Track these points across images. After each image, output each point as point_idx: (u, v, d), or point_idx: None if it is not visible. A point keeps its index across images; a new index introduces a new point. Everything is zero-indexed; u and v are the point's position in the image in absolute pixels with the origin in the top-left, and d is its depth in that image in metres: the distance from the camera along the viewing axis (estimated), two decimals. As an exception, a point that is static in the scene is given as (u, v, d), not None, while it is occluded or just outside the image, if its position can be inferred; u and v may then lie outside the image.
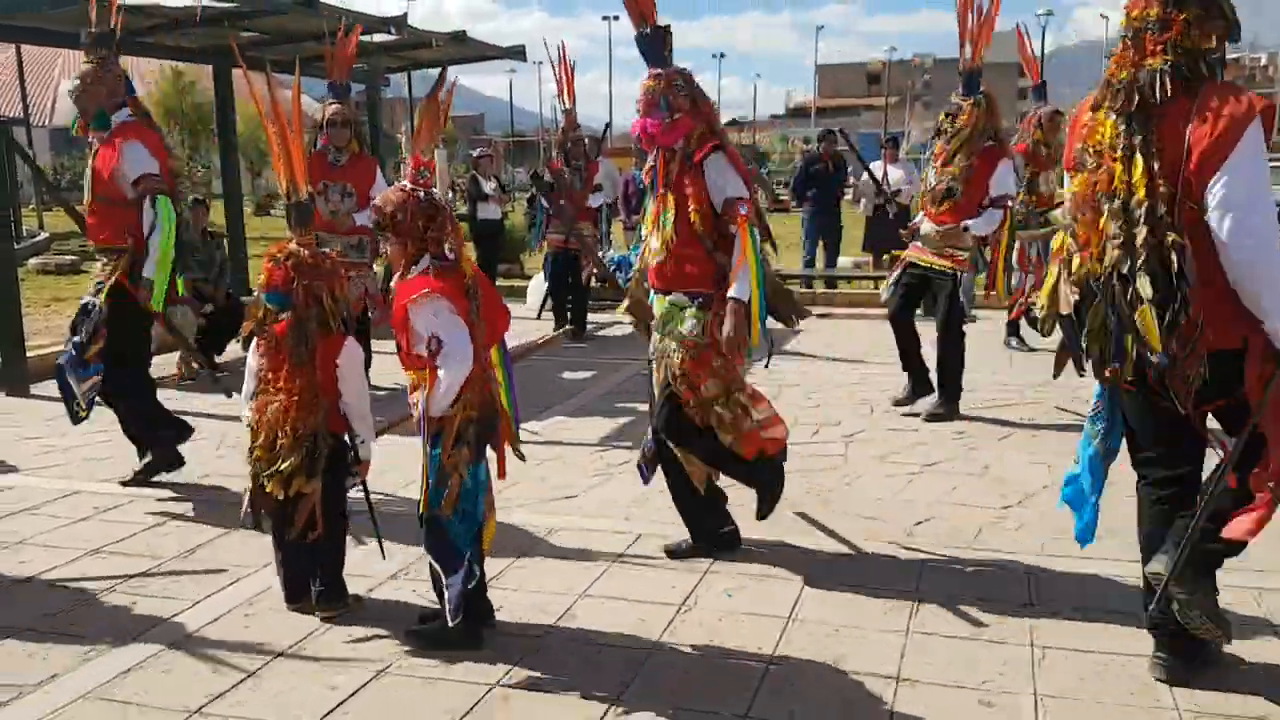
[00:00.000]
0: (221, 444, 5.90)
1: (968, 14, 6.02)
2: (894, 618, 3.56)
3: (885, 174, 11.39)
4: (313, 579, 3.64)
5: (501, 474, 3.46)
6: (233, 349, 8.51)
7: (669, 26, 3.93)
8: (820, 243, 12.05)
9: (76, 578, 3.98)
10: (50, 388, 7.37)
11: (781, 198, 27.23)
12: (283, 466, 3.45)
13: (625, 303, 4.39)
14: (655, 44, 3.90)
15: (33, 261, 15.70)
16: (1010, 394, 6.90)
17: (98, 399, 4.98)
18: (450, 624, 3.26)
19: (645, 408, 6.66)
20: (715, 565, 4.03)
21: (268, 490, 3.49)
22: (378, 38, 9.08)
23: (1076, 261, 2.92)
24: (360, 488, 3.70)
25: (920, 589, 3.79)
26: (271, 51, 9.32)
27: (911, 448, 5.70)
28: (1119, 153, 2.77)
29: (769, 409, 4.05)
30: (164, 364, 7.80)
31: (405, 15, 8.65)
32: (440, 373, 3.19)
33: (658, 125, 3.86)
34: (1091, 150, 2.87)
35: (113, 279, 4.88)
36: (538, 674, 3.19)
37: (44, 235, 18.37)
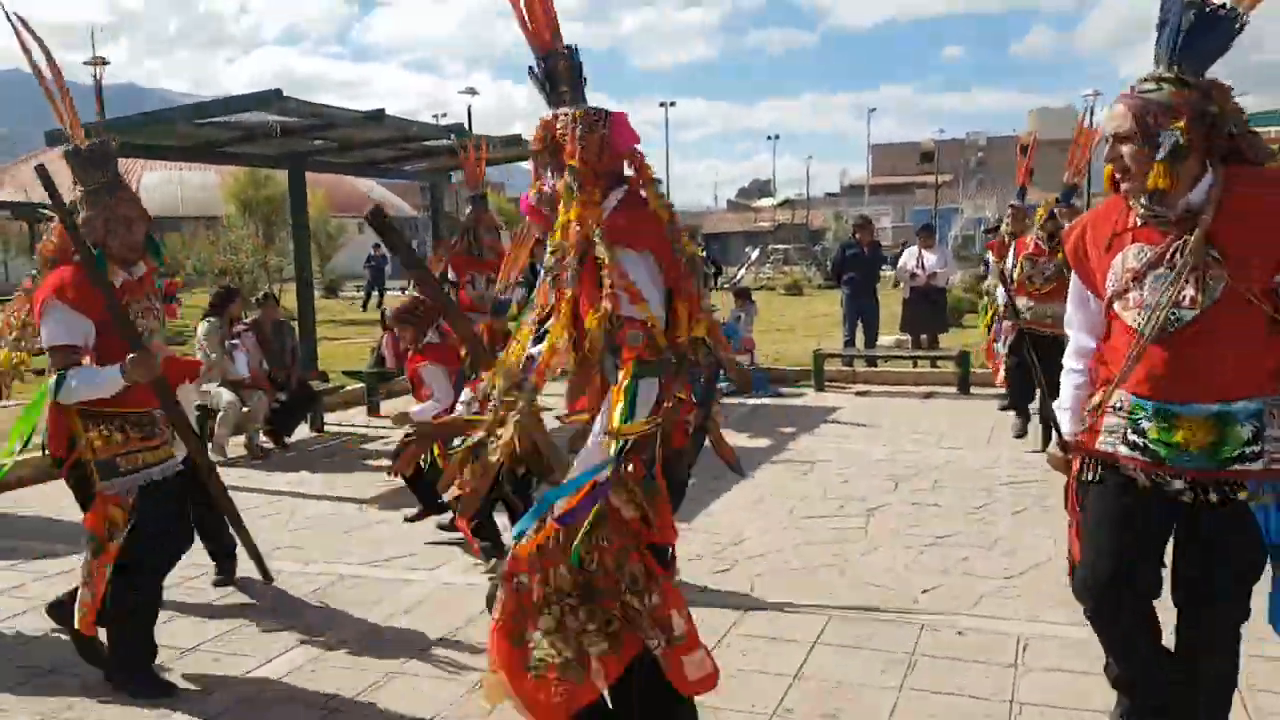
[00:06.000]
0: (292, 519, 6.44)
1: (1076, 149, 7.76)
2: (890, 675, 3.93)
3: (920, 258, 11.90)
4: None
5: None
6: (300, 430, 9.15)
7: (574, 48, 2.81)
8: (859, 322, 12.48)
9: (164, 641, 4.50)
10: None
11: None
12: None
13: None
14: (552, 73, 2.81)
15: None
16: (1032, 471, 7.21)
17: None
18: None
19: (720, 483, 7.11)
20: (736, 626, 4.43)
21: None
22: (442, 141, 9.85)
23: None
24: None
25: (917, 650, 4.16)
26: (340, 157, 10.17)
27: (930, 521, 6.06)
28: None
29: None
30: (235, 443, 8.44)
31: (462, 125, 9.43)
32: None
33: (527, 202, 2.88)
34: None
35: None
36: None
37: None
